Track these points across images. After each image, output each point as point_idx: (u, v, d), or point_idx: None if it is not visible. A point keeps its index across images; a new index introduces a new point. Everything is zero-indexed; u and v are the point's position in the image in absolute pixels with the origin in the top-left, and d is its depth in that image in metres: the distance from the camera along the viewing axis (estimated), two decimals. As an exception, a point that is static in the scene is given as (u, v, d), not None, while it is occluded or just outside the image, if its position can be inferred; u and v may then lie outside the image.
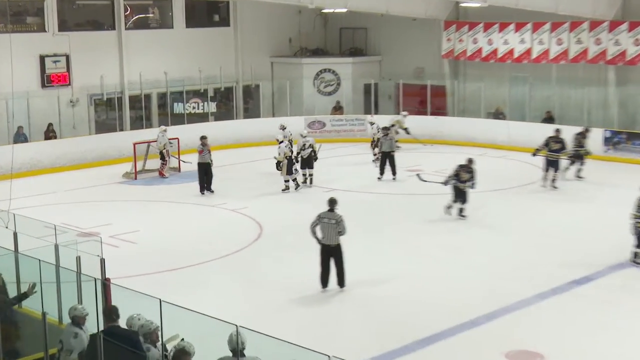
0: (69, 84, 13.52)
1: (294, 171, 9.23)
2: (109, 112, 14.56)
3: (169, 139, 11.47)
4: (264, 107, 15.88)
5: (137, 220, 8.56)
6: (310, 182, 9.37)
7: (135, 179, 11.22)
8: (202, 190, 9.38)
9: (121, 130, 14.13)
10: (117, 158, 13.00)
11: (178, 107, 14.34)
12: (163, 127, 11.65)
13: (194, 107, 14.46)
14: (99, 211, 9.10)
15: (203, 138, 9.88)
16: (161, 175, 11.05)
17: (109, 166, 12.25)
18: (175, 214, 8.90)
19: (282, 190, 9.11)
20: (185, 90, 14.57)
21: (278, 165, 9.36)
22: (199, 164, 9.60)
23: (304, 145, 9.40)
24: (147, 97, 14.64)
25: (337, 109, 15.53)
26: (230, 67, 15.48)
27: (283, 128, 10.53)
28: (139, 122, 14.45)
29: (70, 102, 13.53)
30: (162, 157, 11.18)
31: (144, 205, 9.36)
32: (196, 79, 15.06)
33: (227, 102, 15.69)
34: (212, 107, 14.68)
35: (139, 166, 11.59)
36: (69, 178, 11.33)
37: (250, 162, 11.86)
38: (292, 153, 9.17)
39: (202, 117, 14.77)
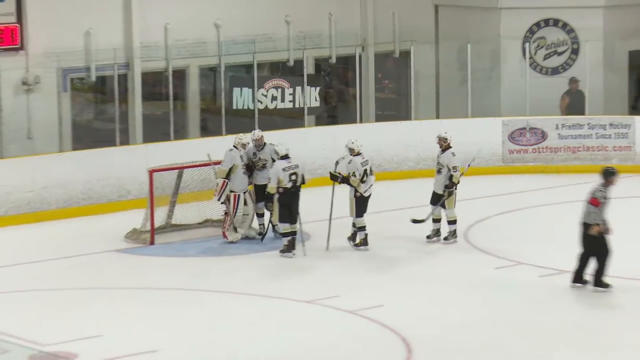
0: (21, 48, 12.43)
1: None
2: (99, 106, 13.75)
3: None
4: (417, 98, 14.08)
5: (154, 330, 8.09)
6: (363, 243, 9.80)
7: (152, 243, 10.46)
8: (290, 248, 9.71)
9: (124, 144, 12.56)
10: (116, 201, 12.00)
11: (243, 98, 13.20)
12: (243, 139, 10.38)
13: (274, 98, 13.28)
14: (81, 311, 8.60)
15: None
16: (224, 237, 10.31)
17: (101, 217, 11.66)
18: (230, 318, 8.34)
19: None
20: (256, 62, 13.24)
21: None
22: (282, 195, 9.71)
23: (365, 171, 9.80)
24: (179, 74, 13.59)
25: (572, 97, 14.19)
26: (351, 15, 14.62)
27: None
28: (160, 127, 13.29)
29: (24, 84, 12.42)
30: (227, 204, 10.28)
31: (170, 301, 8.87)
32: (280, 38, 14.02)
33: (342, 88, 15.01)
34: (311, 96, 13.48)
35: (160, 218, 10.82)
36: (22, 239, 10.90)
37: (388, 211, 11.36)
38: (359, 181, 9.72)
39: (292, 117, 13.81)
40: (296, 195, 9.63)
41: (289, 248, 9.53)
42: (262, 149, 10.09)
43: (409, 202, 11.22)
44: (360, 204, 9.60)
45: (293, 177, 9.50)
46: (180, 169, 10.74)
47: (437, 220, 9.73)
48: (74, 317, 8.39)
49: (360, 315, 8.07)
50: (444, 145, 9.73)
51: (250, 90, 13.21)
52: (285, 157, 9.59)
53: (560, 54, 14.60)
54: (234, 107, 13.17)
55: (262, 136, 10.16)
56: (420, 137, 12.85)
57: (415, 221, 9.78)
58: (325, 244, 9.85)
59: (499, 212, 11.03)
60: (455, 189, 9.72)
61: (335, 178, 9.66)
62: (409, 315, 7.79)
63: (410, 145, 13.13)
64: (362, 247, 9.68)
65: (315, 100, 13.71)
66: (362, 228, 9.65)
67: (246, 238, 10.08)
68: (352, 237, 9.78)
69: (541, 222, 10.81)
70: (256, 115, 13.12)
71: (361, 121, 13.95)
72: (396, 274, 9.17)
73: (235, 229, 10.05)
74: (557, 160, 13.20)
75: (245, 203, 10.04)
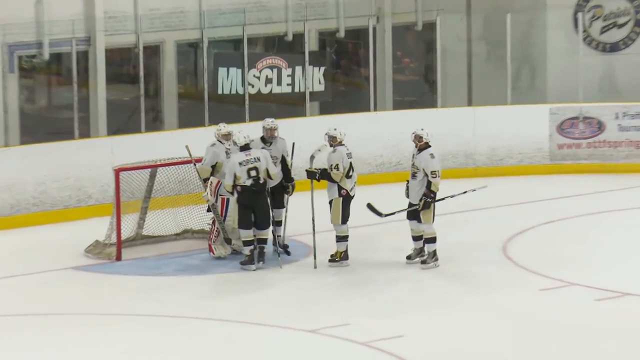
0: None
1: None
2: (54, 91, 13.92)
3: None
4: (445, 80, 14.24)
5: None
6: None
7: (119, 259, 10.52)
8: (252, 260, 9.92)
9: (85, 136, 12.69)
10: (74, 207, 12.12)
11: (230, 80, 13.43)
12: (222, 129, 10.53)
13: (269, 80, 13.57)
14: (28, 343, 8.49)
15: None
16: (210, 251, 10.41)
17: (56, 227, 11.76)
18: (216, 353, 8.22)
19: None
20: (247, 37, 13.39)
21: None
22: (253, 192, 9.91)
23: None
24: (152, 51, 13.72)
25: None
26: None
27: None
28: (128, 116, 13.54)
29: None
30: (215, 210, 10.40)
31: (141, 331, 8.75)
32: (276, 7, 14.14)
33: (352, 68, 15.00)
34: (315, 78, 13.59)
35: (128, 228, 10.92)
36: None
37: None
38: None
39: (291, 104, 14.03)
40: (260, 196, 9.72)
41: (250, 260, 9.68)
42: (273, 143, 10.17)
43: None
44: (346, 206, 9.72)
45: (253, 173, 9.58)
46: (154, 167, 10.74)
47: (417, 238, 9.77)
48: (18, 353, 8.25)
49: (375, 348, 8.09)
50: (420, 144, 9.75)
51: (239, 71, 13.22)
52: (245, 147, 9.72)
53: (620, 26, 14.61)
54: (220, 91, 13.18)
55: (276, 127, 10.19)
56: (448, 129, 12.90)
57: (371, 209, 9.85)
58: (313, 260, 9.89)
59: (545, 221, 11.06)
60: (434, 199, 9.70)
61: (312, 175, 9.80)
62: (435, 349, 7.77)
63: (437, 138, 12.92)
64: (342, 262, 9.81)
65: (320, 83, 13.73)
66: (344, 238, 9.76)
67: (237, 253, 10.16)
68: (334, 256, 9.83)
69: (597, 233, 10.87)
70: (247, 102, 13.10)
71: (376, 109, 13.90)
72: (415, 297, 9.18)
73: (228, 241, 10.17)
74: (617, 157, 13.23)
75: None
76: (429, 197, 9.47)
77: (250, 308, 9.07)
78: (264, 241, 9.81)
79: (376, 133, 13.20)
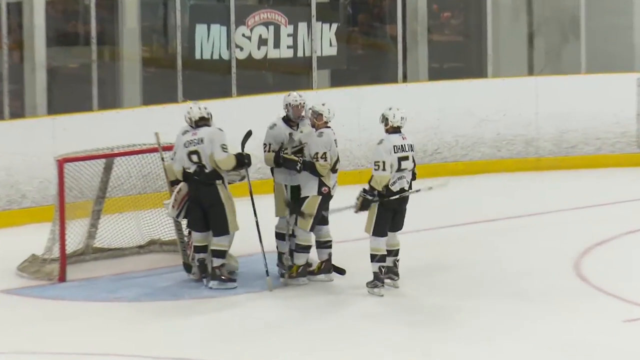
0: None
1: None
2: None
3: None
4: (497, 42, 14.64)
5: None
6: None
7: (62, 279, 10.61)
8: (202, 269, 10.34)
9: (18, 116, 13.00)
10: (4, 209, 12.43)
11: (211, 41, 13.77)
12: (192, 110, 10.49)
13: (263, 41, 13.97)
14: None
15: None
16: (185, 269, 10.68)
17: None
18: None
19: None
20: None
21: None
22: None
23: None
24: (107, 3, 13.91)
25: None
26: None
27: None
28: (76, 89, 13.81)
29: None
30: (178, 227, 10.81)
31: None
32: None
33: (374, 25, 15.23)
34: (324, 38, 14.04)
35: (75, 239, 11.07)
36: None
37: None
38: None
39: (292, 73, 14.49)
40: (210, 190, 9.86)
41: (200, 269, 9.88)
42: (300, 125, 10.22)
43: (478, 211, 11.41)
44: (322, 209, 9.88)
45: (194, 158, 9.75)
46: (109, 157, 10.77)
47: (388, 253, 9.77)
48: None
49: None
50: (319, 123, 9.88)
51: (224, 29, 13.37)
52: (201, 123, 9.80)
53: None
54: (198, 56, 13.31)
55: (304, 103, 10.17)
56: (502, 106, 13.04)
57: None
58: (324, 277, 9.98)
59: (630, 230, 11.11)
60: (373, 198, 9.67)
61: (290, 164, 9.83)
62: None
63: (487, 119, 13.30)
64: (298, 280, 9.83)
65: (331, 45, 13.86)
66: (306, 248, 9.87)
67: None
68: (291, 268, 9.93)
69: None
70: (233, 70, 13.24)
71: (405, 80, 14.06)
72: (454, 325, 9.10)
73: (188, 269, 10.29)
74: None
75: None
76: (369, 195, 9.58)
77: (230, 344, 9.04)
78: (217, 253, 9.89)
79: (406, 111, 12.99)
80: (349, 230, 10.42)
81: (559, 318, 9.08)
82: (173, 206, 10.07)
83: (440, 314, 9.37)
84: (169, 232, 10.85)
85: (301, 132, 10.00)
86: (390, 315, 9.40)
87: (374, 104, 12.13)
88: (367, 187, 9.63)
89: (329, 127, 9.73)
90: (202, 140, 9.71)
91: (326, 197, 9.80)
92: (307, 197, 9.71)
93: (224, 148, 9.78)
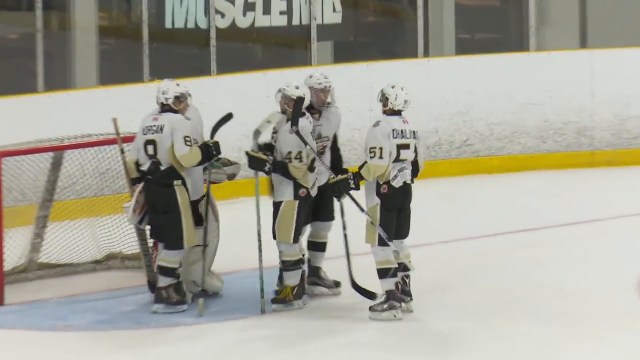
0: None
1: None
2: None
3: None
4: (541, 7, 15.05)
5: None
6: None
7: (0, 302, 10.72)
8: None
9: None
10: None
11: (185, 7, 14.26)
12: (169, 90, 10.53)
13: (249, 7, 14.45)
14: None
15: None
16: (151, 291, 10.78)
17: None
18: None
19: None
20: None
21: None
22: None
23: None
24: None
25: None
26: None
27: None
28: (16, 65, 14.29)
29: None
30: (140, 235, 10.89)
31: None
32: None
33: None
34: (327, 2, 14.60)
35: (15, 252, 11.14)
36: None
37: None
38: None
39: (286, 45, 15.06)
40: (164, 192, 9.90)
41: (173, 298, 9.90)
42: (324, 114, 10.29)
43: (517, 218, 11.42)
44: (302, 214, 9.90)
45: (150, 150, 9.81)
46: (58, 150, 10.77)
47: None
48: None
49: None
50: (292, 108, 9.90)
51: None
52: (165, 109, 9.80)
53: None
54: (168, 24, 13.57)
55: (330, 87, 10.24)
56: (549, 87, 13.21)
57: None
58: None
59: None
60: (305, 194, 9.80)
61: (258, 164, 9.80)
62: None
63: (529, 103, 13.53)
64: (291, 304, 9.90)
65: (334, 11, 14.18)
66: (295, 264, 9.92)
67: (202, 294, 10.20)
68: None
69: None
70: (212, 42, 13.50)
71: (427, 54, 14.33)
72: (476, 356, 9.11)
73: (151, 287, 10.25)
74: None
75: (197, 223, 10.29)
76: (352, 181, 9.60)
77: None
78: (165, 271, 9.89)
79: (428, 93, 13.33)
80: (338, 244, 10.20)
81: (615, 350, 8.97)
82: (134, 210, 10.04)
83: (462, 340, 9.25)
84: (132, 244, 10.86)
85: (268, 122, 9.93)
86: (401, 344, 9.26)
87: (387, 82, 12.04)
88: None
89: (304, 113, 9.77)
90: (161, 129, 9.72)
91: (304, 200, 9.77)
92: (282, 202, 9.68)
93: (186, 141, 9.76)
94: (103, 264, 11.06)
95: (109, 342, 9.72)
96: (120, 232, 11.02)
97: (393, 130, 9.53)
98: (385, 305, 9.55)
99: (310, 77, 10.23)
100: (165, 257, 9.77)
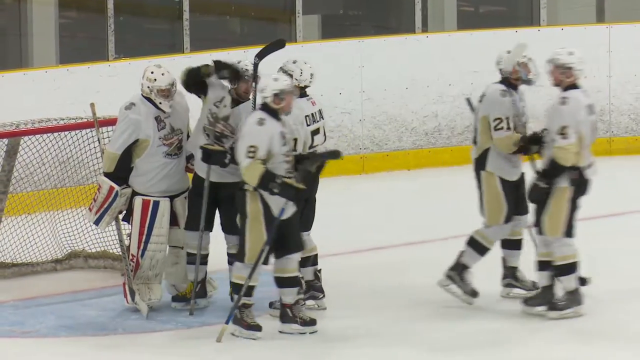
0: None
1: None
2: None
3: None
4: None
5: None
6: None
7: None
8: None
9: None
10: None
11: None
12: (157, 76, 10.69)
13: None
14: None
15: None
16: (124, 294, 10.71)
17: None
18: None
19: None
20: None
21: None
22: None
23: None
24: None
25: None
26: None
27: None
28: None
29: None
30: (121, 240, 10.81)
31: None
32: None
33: None
34: None
35: None
36: None
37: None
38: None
39: (269, 19, 15.49)
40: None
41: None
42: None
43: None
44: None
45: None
46: (13, 136, 10.85)
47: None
48: None
49: None
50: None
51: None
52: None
53: None
54: None
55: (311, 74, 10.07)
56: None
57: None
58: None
59: None
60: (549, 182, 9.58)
61: (216, 157, 9.83)
62: None
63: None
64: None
65: None
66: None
67: (179, 297, 10.31)
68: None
69: None
70: (186, 15, 13.30)
71: (426, 28, 14.08)
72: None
73: (132, 294, 10.19)
74: None
75: (173, 222, 10.32)
76: (549, 177, 9.36)
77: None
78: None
79: (426, 72, 13.53)
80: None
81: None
82: (90, 209, 10.02)
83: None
84: (98, 241, 10.78)
85: (225, 106, 9.94)
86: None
87: (381, 62, 12.10)
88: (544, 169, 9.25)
89: (306, 92, 9.70)
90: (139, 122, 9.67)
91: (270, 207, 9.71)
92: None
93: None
94: (64, 263, 11.05)
95: (72, 350, 9.72)
96: (84, 229, 10.95)
97: (305, 116, 9.77)
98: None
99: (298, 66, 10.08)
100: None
